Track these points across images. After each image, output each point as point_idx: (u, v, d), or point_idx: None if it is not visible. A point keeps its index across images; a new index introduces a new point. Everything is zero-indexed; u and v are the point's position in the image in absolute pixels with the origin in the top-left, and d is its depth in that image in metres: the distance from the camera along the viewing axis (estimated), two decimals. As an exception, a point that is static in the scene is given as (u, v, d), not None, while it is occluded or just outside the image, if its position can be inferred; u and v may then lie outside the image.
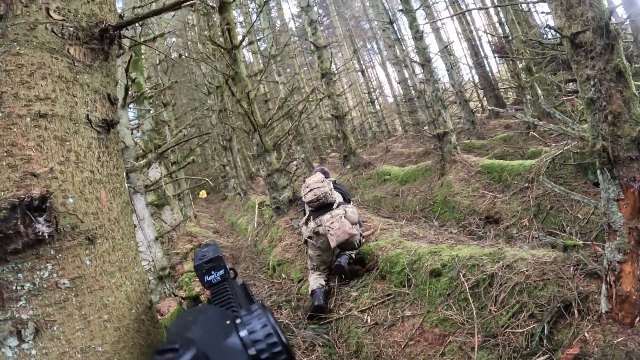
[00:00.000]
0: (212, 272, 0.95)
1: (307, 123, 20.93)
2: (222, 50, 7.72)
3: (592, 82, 2.41)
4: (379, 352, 3.67)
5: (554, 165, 6.10)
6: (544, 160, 6.29)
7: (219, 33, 8.51)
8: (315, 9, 12.02)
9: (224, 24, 7.45)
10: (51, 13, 0.83)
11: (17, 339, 0.73)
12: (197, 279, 6.67)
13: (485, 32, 17.92)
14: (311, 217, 4.97)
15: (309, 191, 4.95)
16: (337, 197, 5.17)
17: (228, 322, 0.60)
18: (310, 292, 4.67)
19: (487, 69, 20.08)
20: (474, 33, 21.64)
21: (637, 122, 2.36)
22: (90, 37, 0.91)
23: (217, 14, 8.35)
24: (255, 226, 9.46)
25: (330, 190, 5.03)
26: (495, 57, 22.74)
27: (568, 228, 5.13)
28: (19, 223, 0.71)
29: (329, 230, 4.66)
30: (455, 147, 8.23)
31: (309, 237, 4.90)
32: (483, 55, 20.85)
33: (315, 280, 4.71)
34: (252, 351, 0.54)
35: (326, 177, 5.51)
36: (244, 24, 17.23)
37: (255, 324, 0.57)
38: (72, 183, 0.81)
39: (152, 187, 5.54)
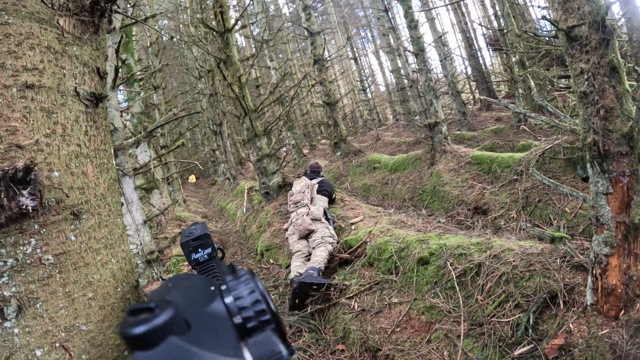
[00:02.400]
0: (199, 250, 0.92)
1: (298, 109, 20.84)
2: (214, 33, 7.63)
3: (585, 76, 2.42)
4: (366, 338, 3.69)
5: (543, 159, 6.14)
6: (533, 154, 6.32)
7: (212, 16, 8.40)
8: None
9: (217, 7, 7.35)
10: (39, -20, 0.80)
11: (-1, 317, 0.71)
12: (185, 260, 6.66)
13: (480, 24, 17.90)
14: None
15: (292, 204, 5.77)
16: (319, 201, 5.70)
17: (212, 288, 0.56)
18: (289, 280, 4.76)
19: (481, 61, 20.07)
20: (469, 25, 21.59)
21: (628, 117, 2.37)
22: (80, 8, 0.88)
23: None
24: (244, 211, 9.44)
25: (311, 199, 5.68)
26: (489, 50, 22.76)
27: (555, 221, 5.18)
28: (2, 196, 0.68)
29: (295, 226, 5.36)
30: (446, 138, 8.24)
31: (286, 229, 5.78)
32: (477, 47, 20.84)
33: (295, 269, 4.82)
34: (237, 319, 0.50)
35: (317, 175, 6.30)
36: (237, 8, 17.01)
37: (242, 290, 0.53)
38: (58, 156, 0.78)
39: (141, 170, 5.49)
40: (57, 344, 0.75)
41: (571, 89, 2.72)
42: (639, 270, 2.53)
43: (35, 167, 0.72)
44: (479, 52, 20.44)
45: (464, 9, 20.86)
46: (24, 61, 0.77)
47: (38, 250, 0.74)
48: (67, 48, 0.85)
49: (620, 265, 2.54)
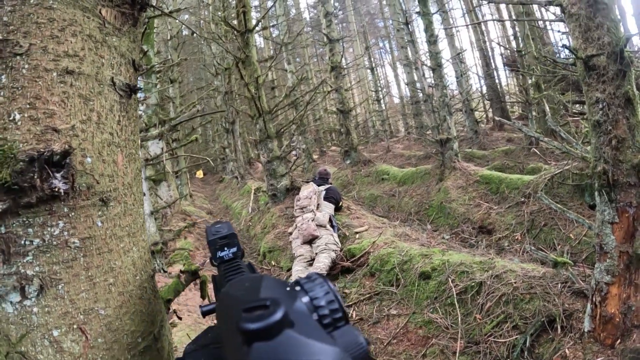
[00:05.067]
0: (225, 249, 0.95)
1: (311, 114, 20.89)
2: (235, 32, 7.68)
3: (600, 105, 2.43)
4: (361, 348, 3.69)
5: (552, 183, 6.13)
6: (542, 177, 6.31)
7: (233, 15, 8.45)
8: (332, 1, 11.97)
9: (240, 6, 7.42)
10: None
11: (19, 295, 0.72)
12: (192, 253, 6.68)
13: (498, 44, 17.89)
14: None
15: (299, 209, 5.77)
16: (325, 208, 5.78)
17: (288, 288, 0.60)
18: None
19: (497, 80, 20.05)
20: (487, 44, 21.60)
21: (639, 149, 2.38)
22: (122, 0, 0.91)
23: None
24: (250, 211, 9.46)
25: (317, 205, 5.76)
26: (505, 70, 22.73)
27: (559, 246, 5.17)
28: (35, 177, 0.70)
29: (299, 230, 5.38)
30: (457, 154, 8.25)
31: (290, 232, 5.76)
32: (494, 66, 20.82)
33: (296, 273, 4.89)
34: (314, 316, 0.55)
35: (325, 181, 6.35)
36: (259, 9, 17.14)
37: (317, 291, 0.58)
38: (91, 143, 0.81)
39: (152, 162, 5.55)
40: (75, 326, 0.77)
41: (585, 116, 2.74)
42: (638, 300, 2.53)
43: (71, 152, 0.75)
44: (495, 72, 20.41)
45: (483, 28, 20.87)
46: (65, 47, 0.79)
47: (65, 233, 0.76)
48: (107, 38, 0.87)
49: (620, 295, 2.54)
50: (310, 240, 5.22)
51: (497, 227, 6.18)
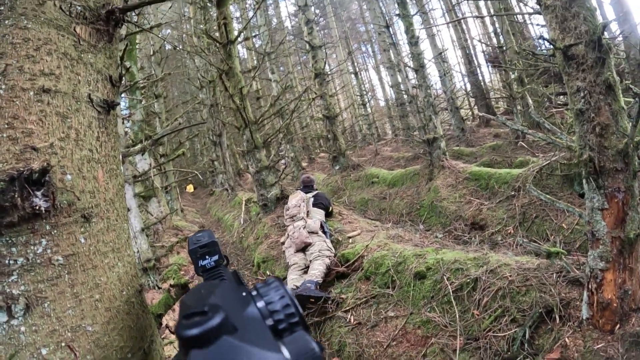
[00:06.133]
0: (207, 257, 0.94)
1: (297, 122, 20.93)
2: (217, 44, 7.68)
3: (582, 94, 2.46)
4: (361, 352, 3.69)
5: (540, 175, 6.17)
6: (531, 170, 6.36)
7: (215, 27, 8.46)
8: (312, 8, 12.03)
9: (221, 18, 7.41)
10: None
11: (6, 314, 0.72)
12: (186, 268, 6.64)
13: (480, 41, 18.05)
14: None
15: (289, 218, 5.79)
16: (315, 214, 5.73)
17: (244, 293, 0.60)
18: None
19: (480, 77, 20.20)
20: (469, 42, 21.78)
21: (624, 134, 2.41)
22: (96, 17, 0.91)
23: (214, 8, 8.31)
24: (242, 222, 9.44)
25: (307, 212, 5.73)
26: (488, 67, 22.93)
27: (552, 237, 5.20)
28: (16, 196, 0.70)
29: (292, 239, 5.36)
30: (444, 153, 8.28)
31: (283, 242, 5.72)
32: (476, 64, 21.00)
33: (291, 282, 4.85)
34: (269, 321, 0.55)
35: (311, 188, 6.35)
36: (240, 20, 17.16)
37: (272, 296, 0.58)
38: (71, 160, 0.80)
39: (140, 178, 5.52)
40: (63, 344, 0.76)
41: (568, 106, 2.76)
42: (634, 284, 2.56)
43: (50, 170, 0.74)
44: (478, 69, 20.58)
45: (464, 26, 21.05)
46: (41, 66, 0.79)
47: (48, 251, 0.76)
48: (82, 55, 0.88)
49: (615, 280, 2.56)
50: (303, 248, 5.20)
51: (489, 223, 6.21)
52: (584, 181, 2.61)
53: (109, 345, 0.83)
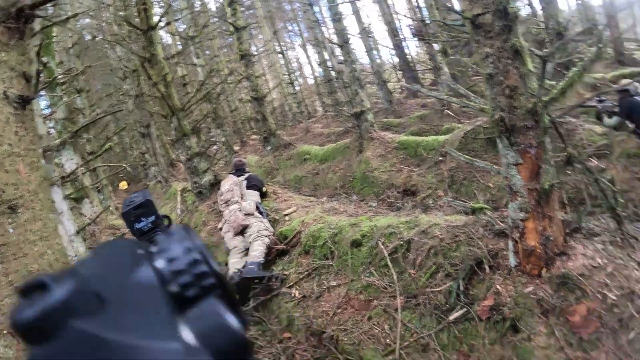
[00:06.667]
0: (142, 219, 0.84)
1: (226, 106, 20.58)
2: (138, 31, 7.39)
3: (490, 59, 2.64)
4: (310, 323, 3.80)
5: (465, 140, 6.50)
6: (456, 135, 6.67)
7: (135, 13, 8.14)
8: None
9: (140, 4, 7.12)
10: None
11: None
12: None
13: (405, 15, 18.43)
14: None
15: (223, 203, 5.72)
16: (250, 196, 5.73)
17: (140, 251, 0.44)
18: (229, 277, 4.78)
19: (406, 51, 20.65)
20: (394, 16, 22.14)
21: (532, 94, 2.61)
22: (7, 16, 0.91)
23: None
24: (179, 213, 9.29)
25: (241, 195, 5.73)
26: (414, 40, 23.45)
27: (481, 196, 5.52)
28: None
29: (229, 223, 5.34)
30: (373, 125, 8.50)
31: (220, 228, 5.66)
32: (402, 37, 21.42)
33: (233, 265, 4.87)
34: (173, 287, 0.41)
35: (243, 171, 6.29)
36: (161, 4, 16.51)
37: (176, 250, 0.43)
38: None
39: (68, 179, 5.30)
40: (5, 331, 0.78)
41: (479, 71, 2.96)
42: (554, 231, 2.81)
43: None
44: (404, 42, 21.01)
45: (389, 1, 21.36)
46: (-46, 66, 0.79)
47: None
48: None
49: (536, 228, 2.80)
50: (241, 231, 5.22)
51: (420, 188, 6.49)
52: (497, 140, 2.81)
53: None
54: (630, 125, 4.83)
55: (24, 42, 0.99)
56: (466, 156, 3.19)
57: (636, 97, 4.86)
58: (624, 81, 5.08)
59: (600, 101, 5.19)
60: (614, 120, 4.97)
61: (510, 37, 2.60)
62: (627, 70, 10.73)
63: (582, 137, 5.40)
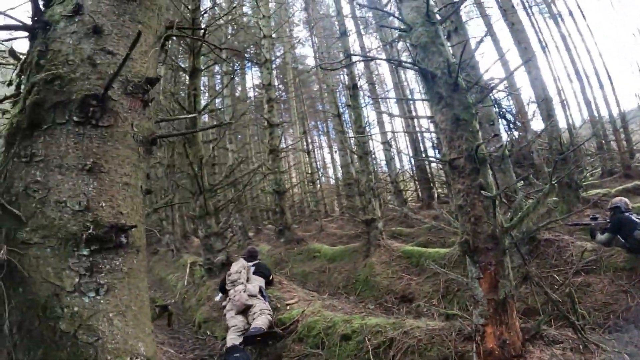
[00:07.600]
0: None
1: (248, 193, 21.37)
2: (185, 112, 8.16)
3: (461, 194, 3.36)
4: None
5: (464, 255, 7.00)
6: (456, 250, 7.19)
7: (182, 94, 8.79)
8: (276, 83, 12.86)
9: (191, 89, 7.96)
10: (133, 127, 1.59)
11: (95, 293, 1.40)
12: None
13: (427, 130, 19.55)
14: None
15: (230, 283, 6.07)
16: (255, 280, 6.14)
17: None
18: (225, 349, 5.17)
19: (426, 162, 21.54)
20: (417, 128, 23.33)
21: (491, 223, 3.29)
22: (148, 142, 1.66)
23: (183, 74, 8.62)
24: (185, 284, 9.69)
25: (247, 278, 6.13)
26: (435, 153, 24.32)
27: (471, 306, 5.95)
28: (113, 235, 1.41)
29: (233, 302, 5.68)
30: (381, 233, 9.00)
31: (224, 306, 5.94)
32: (422, 149, 22.43)
33: (230, 341, 5.21)
34: None
35: (254, 258, 6.78)
36: (205, 88, 17.62)
37: None
38: (134, 220, 1.52)
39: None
40: (121, 312, 1.44)
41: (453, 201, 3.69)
42: (512, 335, 3.34)
43: (128, 225, 1.46)
44: (424, 154, 21.93)
45: (413, 112, 22.69)
46: (124, 169, 1.52)
47: (121, 265, 1.45)
48: (140, 164, 1.64)
49: (494, 332, 3.34)
50: (243, 310, 5.54)
51: (417, 296, 6.91)
52: (466, 257, 3.44)
53: (141, 321, 1.51)
54: (621, 240, 5.10)
55: (148, 156, 1.75)
56: (441, 269, 3.80)
57: (626, 214, 5.15)
58: (615, 199, 5.47)
59: (594, 219, 5.68)
60: (605, 236, 5.27)
61: (478, 177, 3.32)
62: (630, 184, 11.35)
63: (572, 253, 5.79)
